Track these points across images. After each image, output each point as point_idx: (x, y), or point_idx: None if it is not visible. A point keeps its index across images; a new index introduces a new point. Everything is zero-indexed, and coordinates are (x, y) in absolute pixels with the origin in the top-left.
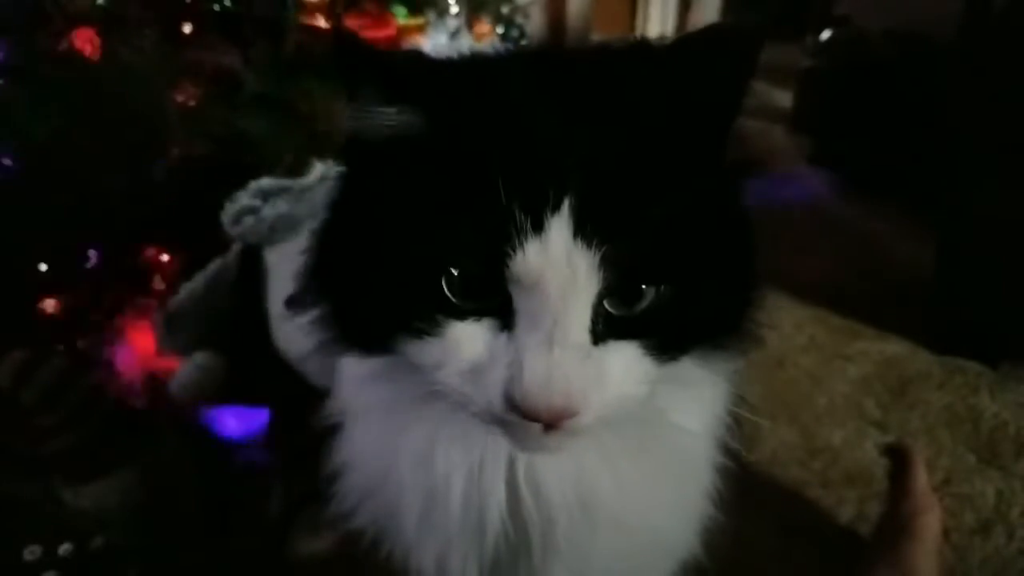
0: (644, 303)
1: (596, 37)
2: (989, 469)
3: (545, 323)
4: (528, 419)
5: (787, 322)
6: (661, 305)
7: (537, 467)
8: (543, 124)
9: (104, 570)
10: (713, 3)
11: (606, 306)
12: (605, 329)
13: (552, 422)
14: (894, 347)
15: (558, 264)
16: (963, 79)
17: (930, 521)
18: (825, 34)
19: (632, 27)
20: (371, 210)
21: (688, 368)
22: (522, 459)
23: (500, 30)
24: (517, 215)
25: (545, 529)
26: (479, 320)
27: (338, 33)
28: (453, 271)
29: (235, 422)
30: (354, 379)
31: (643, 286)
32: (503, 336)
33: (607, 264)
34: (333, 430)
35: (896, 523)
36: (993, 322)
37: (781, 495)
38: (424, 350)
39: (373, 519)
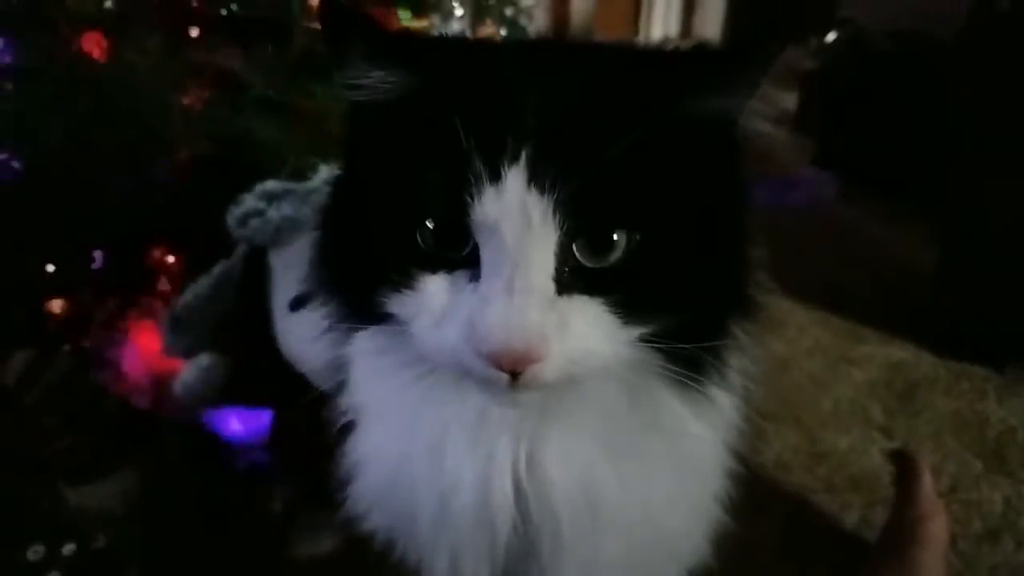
0: (616, 253)
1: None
2: (996, 475)
3: (505, 270)
4: (488, 363)
5: (792, 325)
6: (633, 258)
7: (544, 465)
8: (509, 84)
9: (107, 570)
10: (717, 6)
11: (576, 255)
12: (573, 280)
13: (513, 367)
14: (900, 351)
15: (512, 211)
16: (967, 80)
17: (936, 527)
18: (829, 36)
19: (636, 30)
20: (363, 173)
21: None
22: (526, 455)
23: (504, 32)
24: (476, 165)
25: (552, 528)
26: (450, 273)
27: (328, 1)
28: (428, 224)
29: (238, 424)
30: (364, 361)
31: (612, 234)
32: (470, 286)
33: (564, 210)
34: (345, 430)
35: (901, 529)
36: (999, 326)
37: (786, 500)
38: (403, 304)
39: (387, 521)
